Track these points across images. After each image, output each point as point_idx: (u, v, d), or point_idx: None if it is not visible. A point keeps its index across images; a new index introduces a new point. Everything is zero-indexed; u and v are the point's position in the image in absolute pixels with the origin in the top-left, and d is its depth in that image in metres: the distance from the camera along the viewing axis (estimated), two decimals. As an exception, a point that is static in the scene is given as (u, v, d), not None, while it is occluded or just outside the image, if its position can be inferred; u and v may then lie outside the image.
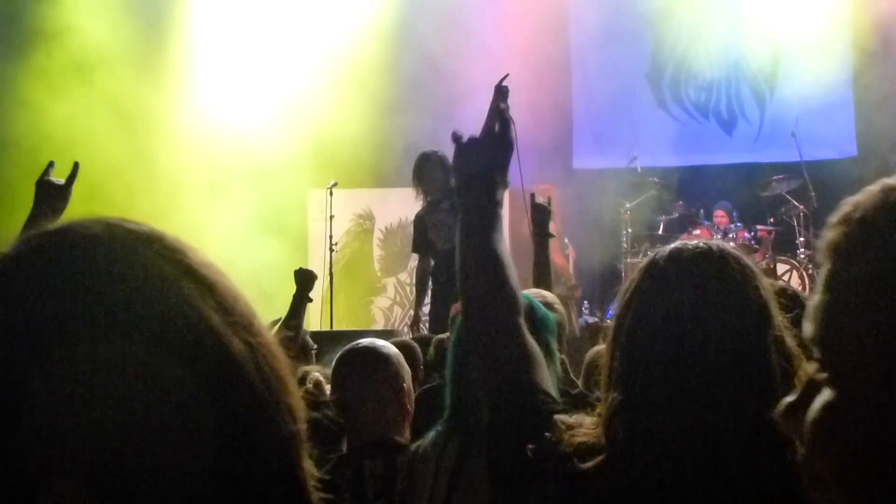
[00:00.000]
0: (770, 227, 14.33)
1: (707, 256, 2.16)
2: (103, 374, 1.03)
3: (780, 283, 6.76)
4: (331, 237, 13.37)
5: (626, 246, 14.40)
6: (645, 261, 2.24)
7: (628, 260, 14.19)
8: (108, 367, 1.03)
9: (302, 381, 5.33)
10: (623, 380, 2.11)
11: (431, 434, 3.77)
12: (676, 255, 2.18)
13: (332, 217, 13.42)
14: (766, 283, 2.16)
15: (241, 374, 1.11)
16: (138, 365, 1.04)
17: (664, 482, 2.01)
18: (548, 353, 3.18)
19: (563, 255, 13.31)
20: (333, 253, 13.41)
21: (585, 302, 14.17)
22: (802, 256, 13.90)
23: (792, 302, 3.94)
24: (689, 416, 2.00)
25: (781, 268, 13.48)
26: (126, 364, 1.04)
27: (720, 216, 14.69)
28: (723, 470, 1.98)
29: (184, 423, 1.05)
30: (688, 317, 2.05)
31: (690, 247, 2.20)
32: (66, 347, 1.03)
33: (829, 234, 1.24)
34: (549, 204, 7.19)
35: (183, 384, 1.06)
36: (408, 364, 4.60)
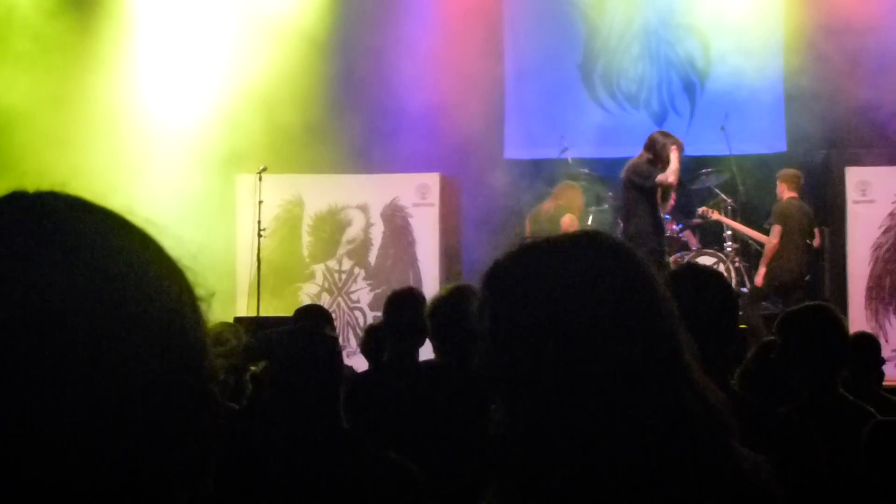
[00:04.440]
0: (698, 220, 14.42)
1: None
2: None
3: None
4: (259, 222, 13.30)
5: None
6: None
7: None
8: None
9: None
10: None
11: None
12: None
13: (260, 202, 13.35)
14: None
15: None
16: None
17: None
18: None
19: None
20: (262, 238, 13.34)
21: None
22: (729, 249, 14.00)
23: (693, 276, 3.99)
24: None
25: (708, 260, 13.56)
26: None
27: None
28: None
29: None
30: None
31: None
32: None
33: None
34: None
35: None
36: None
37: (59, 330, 1.05)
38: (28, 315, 1.04)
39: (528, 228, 13.79)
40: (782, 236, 13.14)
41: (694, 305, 3.01)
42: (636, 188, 12.11)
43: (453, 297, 5.20)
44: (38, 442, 1.03)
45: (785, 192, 13.44)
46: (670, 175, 11.92)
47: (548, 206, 13.62)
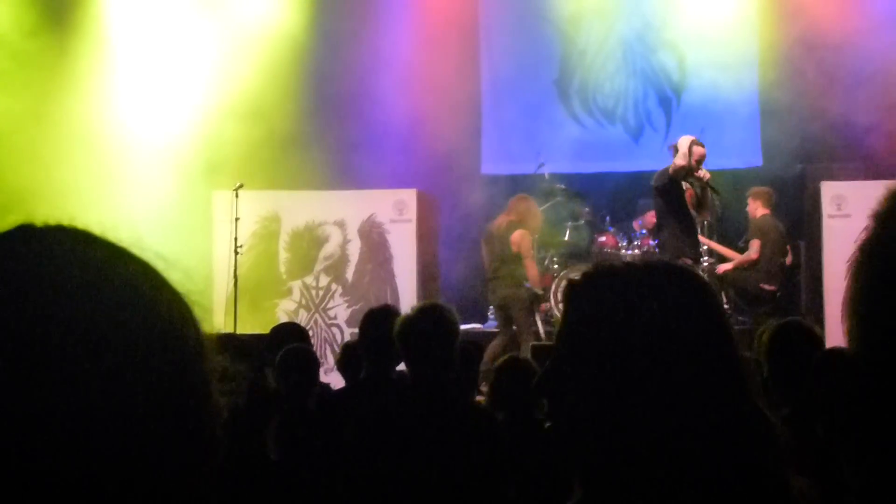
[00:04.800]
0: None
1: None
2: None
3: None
4: (236, 239, 13.26)
5: (532, 252, 14.46)
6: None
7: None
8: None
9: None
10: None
11: None
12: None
13: (237, 219, 13.31)
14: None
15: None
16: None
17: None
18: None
19: (535, 265, 13.31)
20: (238, 255, 13.31)
21: (492, 307, 14.19)
22: (706, 265, 14.02)
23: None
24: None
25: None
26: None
27: (653, 216, 14.82)
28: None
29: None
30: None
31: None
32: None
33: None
34: None
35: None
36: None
37: (63, 362, 1.06)
38: (33, 347, 1.05)
39: (482, 245, 13.71)
40: (760, 252, 13.28)
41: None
42: (661, 195, 12.06)
43: (423, 317, 5.19)
44: (45, 453, 1.04)
45: (758, 210, 13.52)
46: (678, 159, 11.76)
47: (500, 220, 13.46)
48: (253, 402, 4.26)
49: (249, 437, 4.18)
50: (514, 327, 12.90)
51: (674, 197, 11.93)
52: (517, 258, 12.97)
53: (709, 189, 12.21)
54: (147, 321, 1.13)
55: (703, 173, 11.96)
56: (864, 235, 1.31)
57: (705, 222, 14.32)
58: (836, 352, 5.09)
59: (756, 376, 5.78)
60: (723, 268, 13.65)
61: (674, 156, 11.92)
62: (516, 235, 13.03)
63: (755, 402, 2.01)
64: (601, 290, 2.07)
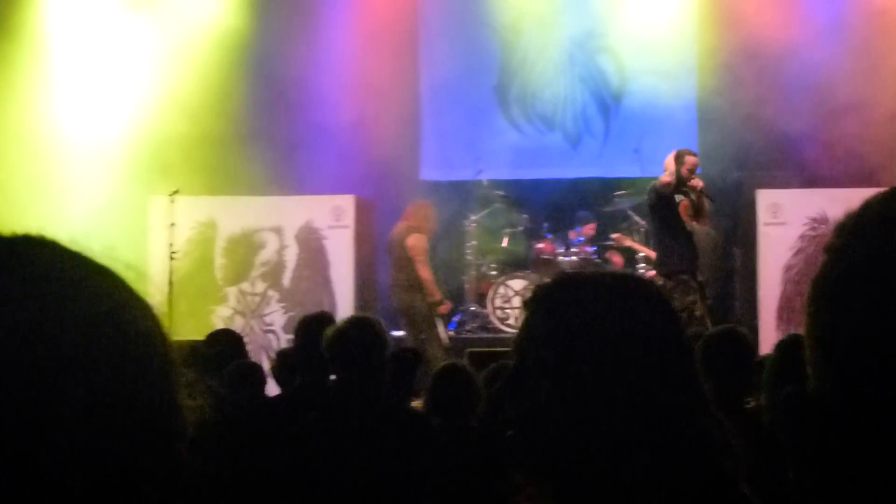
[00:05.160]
0: (611, 243, 14.50)
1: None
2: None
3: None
4: (171, 245, 13.17)
5: (470, 258, 14.47)
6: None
7: (472, 272, 14.25)
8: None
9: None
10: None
11: None
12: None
13: (172, 225, 13.23)
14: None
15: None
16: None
17: None
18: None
19: (429, 269, 13.24)
20: (173, 261, 13.21)
21: (429, 314, 14.17)
22: (643, 272, 14.07)
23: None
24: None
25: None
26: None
27: (593, 228, 14.85)
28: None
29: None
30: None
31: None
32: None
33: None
34: None
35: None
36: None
37: (27, 375, 1.04)
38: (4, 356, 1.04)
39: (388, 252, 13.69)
40: None
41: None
42: (652, 211, 11.95)
43: (353, 329, 5.19)
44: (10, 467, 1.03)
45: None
46: (663, 177, 11.58)
47: (399, 226, 13.44)
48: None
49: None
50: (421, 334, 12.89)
51: (665, 212, 11.76)
52: (411, 262, 12.96)
53: (704, 197, 12.09)
54: (117, 335, 1.11)
55: (696, 182, 11.81)
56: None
57: (643, 229, 14.40)
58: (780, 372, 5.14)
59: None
60: (651, 274, 13.71)
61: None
62: (411, 240, 13.00)
63: (712, 413, 2.05)
64: (563, 299, 2.10)
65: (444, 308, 13.36)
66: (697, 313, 11.26)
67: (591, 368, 1.98)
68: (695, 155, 11.93)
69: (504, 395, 2.11)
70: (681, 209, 11.87)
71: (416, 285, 12.95)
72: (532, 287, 2.17)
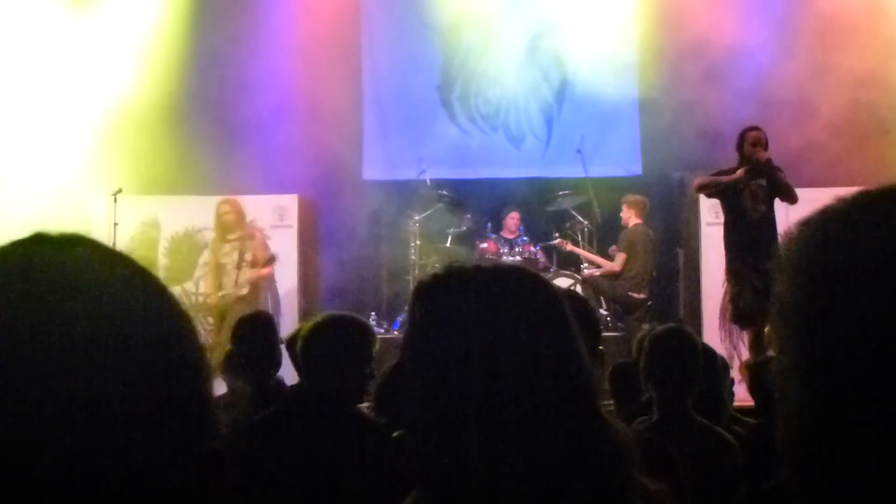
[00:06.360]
0: (555, 242, 14.53)
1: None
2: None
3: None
4: (114, 245, 13.07)
5: (414, 258, 14.45)
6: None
7: (416, 272, 14.24)
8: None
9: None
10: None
11: None
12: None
13: (115, 224, 13.14)
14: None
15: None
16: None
17: None
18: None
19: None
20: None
21: (373, 313, 14.15)
22: (586, 271, 14.13)
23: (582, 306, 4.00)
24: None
25: (565, 282, 13.67)
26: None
27: (514, 218, 14.84)
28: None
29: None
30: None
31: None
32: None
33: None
34: None
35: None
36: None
37: (66, 368, 1.06)
38: (39, 353, 1.06)
39: None
40: (628, 262, 13.43)
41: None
42: (724, 207, 11.17)
43: (324, 328, 5.09)
44: (44, 454, 1.04)
45: (632, 219, 13.67)
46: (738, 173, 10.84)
47: None
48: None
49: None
50: None
51: (725, 206, 11.12)
52: None
53: (776, 171, 10.97)
54: (158, 335, 1.14)
55: (763, 154, 10.88)
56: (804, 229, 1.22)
57: (586, 228, 14.47)
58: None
59: (633, 381, 5.85)
60: (588, 273, 13.82)
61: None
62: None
63: (596, 407, 2.00)
64: (445, 293, 2.06)
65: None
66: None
67: (469, 361, 1.94)
68: (757, 129, 11.12)
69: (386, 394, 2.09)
70: (747, 196, 10.90)
71: None
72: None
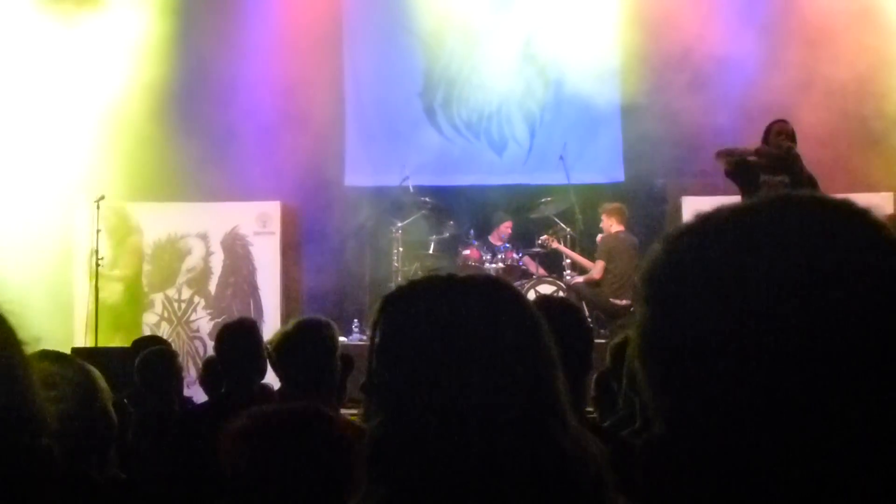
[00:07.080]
0: (538, 249, 14.53)
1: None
2: None
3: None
4: (97, 251, 13.07)
5: (397, 265, 14.44)
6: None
7: (399, 279, 14.22)
8: None
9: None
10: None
11: None
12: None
13: (99, 231, 13.12)
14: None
15: None
16: None
17: None
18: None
19: None
20: (100, 267, 13.11)
21: (355, 321, 14.13)
22: (569, 278, 14.14)
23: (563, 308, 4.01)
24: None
25: (548, 288, 13.68)
26: None
27: (508, 226, 14.83)
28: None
29: None
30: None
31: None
32: None
33: None
34: None
35: None
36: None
37: None
38: None
39: None
40: (609, 270, 13.45)
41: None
42: (739, 186, 10.88)
43: (302, 332, 5.10)
44: None
45: (613, 226, 13.70)
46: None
47: None
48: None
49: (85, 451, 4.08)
50: None
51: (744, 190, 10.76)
52: None
53: (797, 160, 10.85)
54: None
55: (785, 144, 10.76)
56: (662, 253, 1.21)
57: (569, 235, 14.47)
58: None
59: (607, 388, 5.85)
60: (573, 280, 13.85)
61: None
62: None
63: (565, 418, 2.00)
64: (413, 303, 2.07)
65: None
66: None
67: (437, 370, 1.95)
68: (783, 121, 11.09)
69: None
70: (765, 191, 10.45)
71: None
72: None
